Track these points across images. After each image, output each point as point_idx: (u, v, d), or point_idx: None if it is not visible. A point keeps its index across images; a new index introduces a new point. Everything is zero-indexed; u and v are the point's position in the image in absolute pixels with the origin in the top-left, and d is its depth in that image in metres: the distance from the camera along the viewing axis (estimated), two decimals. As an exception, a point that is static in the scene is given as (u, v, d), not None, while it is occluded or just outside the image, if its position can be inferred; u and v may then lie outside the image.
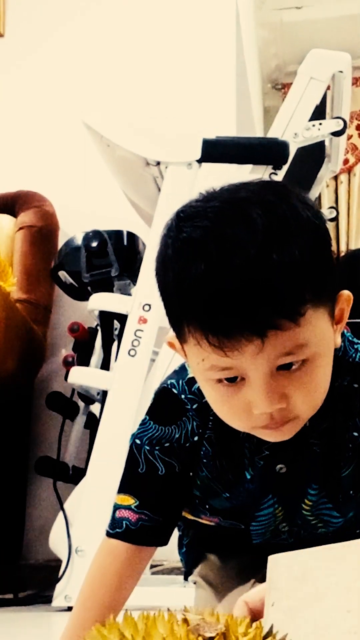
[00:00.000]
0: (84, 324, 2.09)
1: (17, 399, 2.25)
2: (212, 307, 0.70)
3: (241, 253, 0.70)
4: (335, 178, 3.99)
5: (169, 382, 0.91)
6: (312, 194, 2.09)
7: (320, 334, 0.74)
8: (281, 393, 0.73)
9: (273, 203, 0.73)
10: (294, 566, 0.55)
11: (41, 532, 2.24)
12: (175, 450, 0.90)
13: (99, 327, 1.98)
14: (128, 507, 0.89)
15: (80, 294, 2.10)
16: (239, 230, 0.71)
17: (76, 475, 1.95)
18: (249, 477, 0.89)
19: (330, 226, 4.01)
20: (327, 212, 2.31)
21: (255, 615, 0.61)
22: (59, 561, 1.71)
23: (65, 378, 1.95)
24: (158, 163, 1.68)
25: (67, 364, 2.08)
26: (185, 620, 0.49)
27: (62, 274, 2.11)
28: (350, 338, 0.90)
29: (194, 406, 0.88)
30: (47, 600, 1.77)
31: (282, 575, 0.56)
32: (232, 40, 2.60)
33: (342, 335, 0.86)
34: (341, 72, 1.72)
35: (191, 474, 0.91)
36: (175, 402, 0.90)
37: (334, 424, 0.87)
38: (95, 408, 2.07)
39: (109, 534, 0.90)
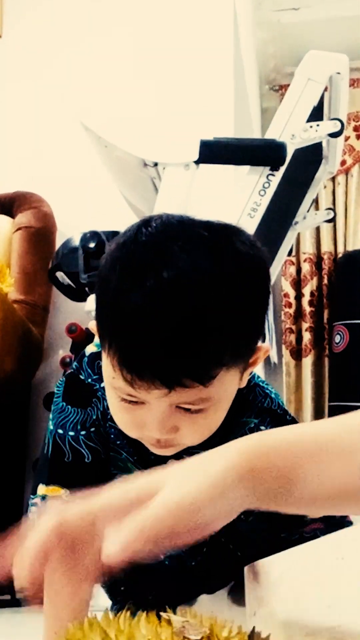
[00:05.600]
0: (81, 325, 2.09)
1: (14, 400, 2.25)
2: (135, 349, 0.74)
3: (173, 312, 0.72)
4: (333, 179, 3.99)
5: (74, 366, 0.95)
6: (310, 196, 2.09)
7: (226, 389, 0.78)
8: (174, 425, 0.78)
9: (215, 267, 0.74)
10: (269, 571, 0.55)
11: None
12: (100, 434, 0.92)
13: (96, 328, 1.97)
14: (59, 498, 0.90)
15: (78, 294, 2.10)
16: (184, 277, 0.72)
17: (74, 476, 1.95)
18: (153, 457, 0.91)
19: (328, 227, 4.01)
20: (324, 214, 2.31)
21: (75, 539, 0.55)
22: (57, 562, 1.71)
23: (63, 379, 1.95)
24: (155, 164, 1.68)
25: (65, 365, 2.08)
26: (169, 622, 0.49)
27: (60, 275, 2.11)
28: (264, 388, 0.95)
29: (102, 384, 0.91)
30: (44, 601, 1.76)
31: (259, 583, 0.56)
32: (230, 41, 2.60)
33: (255, 385, 0.93)
34: (339, 73, 1.72)
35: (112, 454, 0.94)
36: (84, 387, 0.93)
37: None
38: (92, 409, 2.07)
39: None
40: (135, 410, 0.78)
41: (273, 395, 0.95)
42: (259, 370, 3.07)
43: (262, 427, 0.92)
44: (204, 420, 0.79)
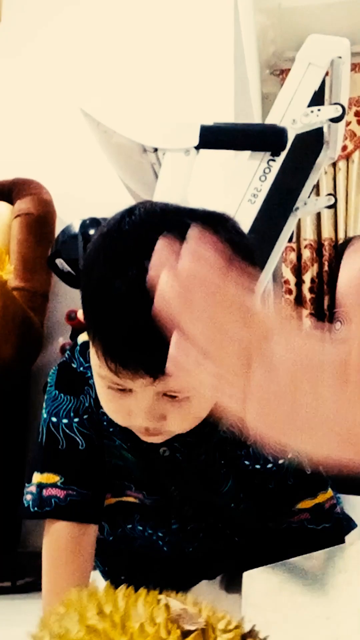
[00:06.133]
0: (81, 312, 2.08)
1: (14, 387, 2.25)
2: (117, 338, 0.74)
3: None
4: (334, 165, 3.97)
5: (66, 354, 0.97)
6: (311, 181, 2.07)
7: None
8: (161, 414, 0.78)
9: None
10: (269, 579, 0.54)
11: (39, 519, 2.24)
12: (93, 421, 0.92)
13: (96, 315, 1.97)
14: (54, 485, 0.91)
15: (78, 281, 2.09)
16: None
17: (74, 463, 1.95)
18: (145, 445, 0.92)
19: (329, 214, 4.00)
20: (325, 200, 2.30)
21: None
22: (57, 549, 1.71)
23: (63, 366, 1.94)
24: (155, 150, 1.67)
25: (64, 352, 2.08)
26: (167, 607, 0.47)
27: (60, 262, 2.10)
28: None
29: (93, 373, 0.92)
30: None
31: (257, 591, 0.55)
32: (230, 26, 2.58)
33: None
34: (340, 57, 1.71)
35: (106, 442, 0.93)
36: (76, 375, 0.94)
37: (206, 449, 0.92)
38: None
39: (37, 514, 0.91)
40: (122, 398, 0.79)
41: None
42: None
43: None
44: (191, 408, 0.79)
